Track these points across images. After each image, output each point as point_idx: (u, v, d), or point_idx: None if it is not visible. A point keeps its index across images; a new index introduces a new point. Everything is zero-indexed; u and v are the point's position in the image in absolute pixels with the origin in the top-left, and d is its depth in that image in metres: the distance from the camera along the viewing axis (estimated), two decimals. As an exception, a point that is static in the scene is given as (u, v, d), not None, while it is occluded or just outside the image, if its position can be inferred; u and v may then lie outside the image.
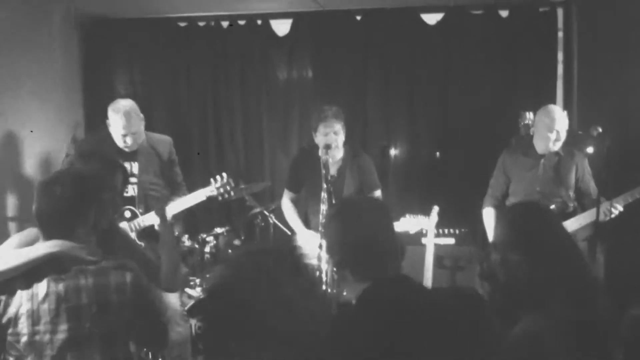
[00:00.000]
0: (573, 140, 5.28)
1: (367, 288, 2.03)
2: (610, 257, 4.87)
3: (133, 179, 4.37)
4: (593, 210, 4.32)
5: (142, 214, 4.32)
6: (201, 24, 6.42)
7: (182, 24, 6.44)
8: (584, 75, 5.76)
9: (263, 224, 5.67)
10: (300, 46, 6.32)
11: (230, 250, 5.37)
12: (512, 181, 4.77)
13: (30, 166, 5.47)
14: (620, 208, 4.30)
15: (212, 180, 4.24)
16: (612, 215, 4.29)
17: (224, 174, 4.25)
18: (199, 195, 4.22)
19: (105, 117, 5.22)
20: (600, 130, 4.07)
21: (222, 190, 4.20)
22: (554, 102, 5.85)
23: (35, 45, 5.65)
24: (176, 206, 4.17)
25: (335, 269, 2.30)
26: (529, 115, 5.48)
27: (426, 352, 1.90)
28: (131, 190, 4.39)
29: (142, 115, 4.40)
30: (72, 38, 6.29)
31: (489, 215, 4.80)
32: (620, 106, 5.33)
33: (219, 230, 5.22)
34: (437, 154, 6.07)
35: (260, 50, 6.36)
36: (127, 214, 4.34)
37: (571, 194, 4.65)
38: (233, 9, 6.22)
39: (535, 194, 4.62)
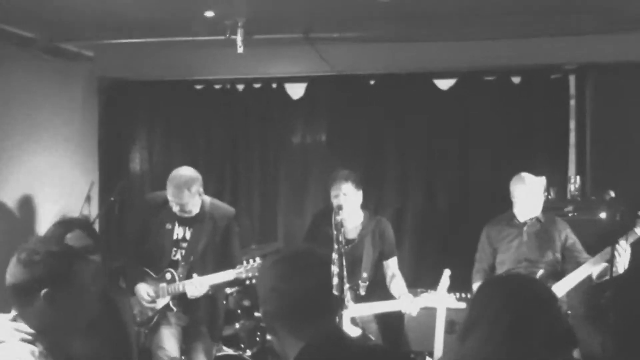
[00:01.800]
0: (586, 206, 5.28)
1: (303, 348, 1.97)
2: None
3: (183, 244, 4.40)
4: (582, 268, 4.37)
5: (181, 279, 4.34)
6: (217, 86, 6.54)
7: (199, 87, 6.56)
8: (596, 141, 5.78)
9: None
10: (315, 109, 6.41)
11: (239, 311, 5.33)
12: (498, 252, 4.78)
13: (44, 226, 5.51)
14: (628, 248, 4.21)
15: (244, 262, 4.31)
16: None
17: (257, 259, 4.31)
18: (228, 275, 4.29)
19: (120, 177, 5.31)
20: (613, 195, 4.07)
21: (250, 274, 4.26)
22: (567, 167, 5.87)
23: (56, 104, 5.79)
24: (205, 281, 4.25)
25: (265, 323, 2.18)
26: (542, 181, 5.49)
27: None
28: (178, 254, 4.41)
29: (199, 190, 4.36)
30: (92, 99, 6.44)
31: None
32: (633, 172, 5.33)
33: (228, 290, 5.19)
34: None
35: (276, 113, 6.46)
36: (168, 276, 4.37)
37: (558, 256, 4.62)
38: (248, 73, 6.33)
39: (523, 261, 4.63)
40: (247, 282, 4.35)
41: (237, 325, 5.28)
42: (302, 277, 2.04)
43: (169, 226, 4.40)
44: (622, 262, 4.19)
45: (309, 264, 2.10)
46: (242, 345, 5.37)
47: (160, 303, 4.39)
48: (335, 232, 4.25)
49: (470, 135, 6.12)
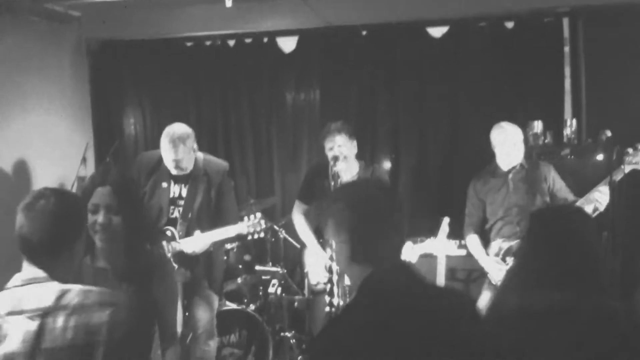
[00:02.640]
0: (583, 149, 5.28)
1: (369, 276, 1.99)
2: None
3: (180, 202, 4.40)
4: (581, 201, 4.42)
5: (181, 237, 4.35)
6: (208, 43, 6.48)
7: (189, 44, 6.50)
8: (591, 84, 5.75)
9: (273, 239, 5.68)
10: (307, 63, 6.36)
11: (240, 266, 5.37)
12: (487, 204, 4.81)
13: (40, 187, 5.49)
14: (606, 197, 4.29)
15: (245, 218, 4.29)
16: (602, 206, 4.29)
17: (259, 214, 4.30)
18: (228, 232, 4.27)
19: (114, 138, 5.22)
20: (609, 134, 4.07)
21: (252, 229, 4.26)
22: (562, 111, 5.85)
23: (45, 68, 5.73)
24: (204, 239, 4.24)
25: (334, 252, 2.28)
26: (538, 125, 5.48)
27: (424, 346, 1.88)
28: (176, 212, 4.41)
29: (194, 145, 4.37)
30: (81, 61, 6.38)
31: (473, 242, 4.83)
32: (628, 114, 5.32)
33: (229, 246, 5.21)
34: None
35: (268, 68, 6.41)
36: (168, 234, 4.38)
37: (547, 200, 4.66)
38: (239, 28, 6.26)
39: (513, 207, 4.67)
40: (250, 237, 4.32)
41: (239, 280, 5.32)
42: (378, 205, 2.07)
43: (164, 185, 4.40)
44: (602, 204, 4.29)
45: (382, 193, 2.12)
46: (245, 300, 5.42)
47: None
48: (332, 184, 4.26)
49: (464, 82, 6.07)
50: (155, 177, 4.43)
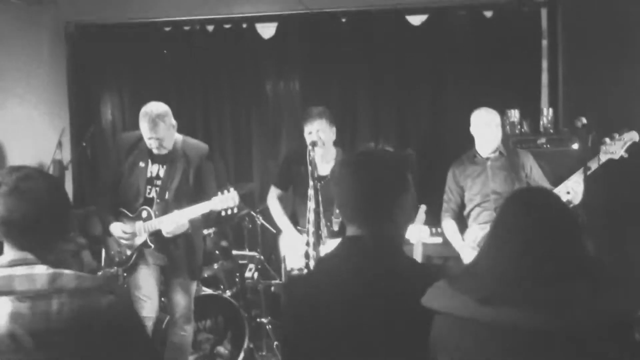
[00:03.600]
0: (559, 138, 5.33)
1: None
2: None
3: (157, 182, 4.38)
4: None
5: (157, 216, 4.33)
6: (186, 28, 6.43)
7: (168, 29, 6.45)
8: (568, 74, 5.80)
9: (250, 225, 5.68)
10: (286, 49, 6.34)
11: (217, 252, 5.36)
12: (465, 190, 4.84)
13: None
14: (581, 182, 4.29)
15: (219, 193, 4.24)
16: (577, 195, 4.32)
17: (232, 189, 4.26)
18: (204, 207, 4.23)
19: (91, 122, 5.17)
20: (584, 121, 4.10)
21: (225, 204, 4.21)
22: (539, 100, 5.89)
23: (22, 50, 5.67)
24: (178, 216, 4.21)
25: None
26: (515, 113, 5.52)
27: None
28: (153, 192, 4.39)
29: (173, 122, 4.35)
30: (59, 44, 6.31)
31: (449, 228, 4.86)
32: (605, 104, 5.37)
33: (205, 231, 5.20)
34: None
35: (247, 54, 6.38)
36: (144, 214, 4.36)
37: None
38: (218, 13, 6.22)
39: (491, 194, 4.69)
40: (223, 213, 4.28)
41: (215, 266, 5.31)
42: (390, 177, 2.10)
43: (142, 164, 4.37)
44: (578, 193, 4.30)
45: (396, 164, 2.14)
46: (222, 286, 5.41)
47: (138, 240, 4.39)
48: (310, 169, 4.25)
49: (443, 71, 6.11)
50: (133, 157, 4.41)
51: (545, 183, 4.67)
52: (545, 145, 5.31)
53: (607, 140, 4.35)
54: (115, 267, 4.44)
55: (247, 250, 5.62)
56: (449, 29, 6.07)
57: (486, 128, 4.69)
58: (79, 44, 6.50)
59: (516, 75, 5.97)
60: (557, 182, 4.59)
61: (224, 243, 5.38)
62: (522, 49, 5.95)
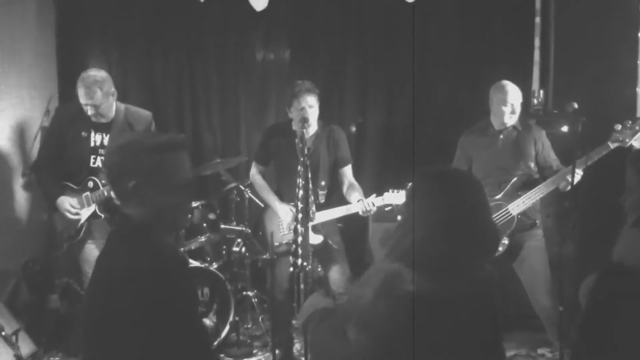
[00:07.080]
0: (548, 119, 5.33)
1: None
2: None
3: (102, 151, 4.37)
4: (553, 178, 4.42)
5: (104, 185, 4.31)
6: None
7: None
8: (560, 55, 5.79)
9: (238, 198, 5.67)
10: (278, 21, 6.28)
11: (205, 225, 5.35)
12: (473, 161, 4.81)
13: (2, 139, 5.39)
14: (580, 172, 4.27)
15: None
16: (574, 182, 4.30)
17: None
18: None
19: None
20: (576, 106, 4.09)
21: None
22: (530, 78, 5.89)
23: (9, 16, 5.56)
24: None
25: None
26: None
27: None
28: (98, 161, 4.37)
29: (112, 89, 4.34)
30: (47, 9, 6.19)
31: None
32: (596, 87, 5.38)
33: (194, 204, 5.19)
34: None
35: (238, 25, 6.30)
36: (90, 184, 4.34)
37: (532, 165, 4.67)
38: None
39: (496, 169, 4.65)
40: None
41: (202, 239, 5.30)
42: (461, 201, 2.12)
43: (84, 134, 4.35)
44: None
45: (466, 185, 2.18)
46: (208, 259, 5.42)
47: (86, 213, 4.37)
48: (300, 145, 4.22)
49: (434, 49, 6.09)
50: (75, 128, 4.40)
51: (554, 162, 4.66)
52: (534, 126, 5.30)
53: (619, 127, 4.28)
54: (65, 244, 4.42)
55: (234, 223, 5.61)
56: (443, 5, 6.03)
57: (506, 103, 4.61)
58: (67, 9, 6.36)
59: (508, 54, 5.96)
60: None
61: (211, 216, 5.37)
62: (514, 28, 5.95)
